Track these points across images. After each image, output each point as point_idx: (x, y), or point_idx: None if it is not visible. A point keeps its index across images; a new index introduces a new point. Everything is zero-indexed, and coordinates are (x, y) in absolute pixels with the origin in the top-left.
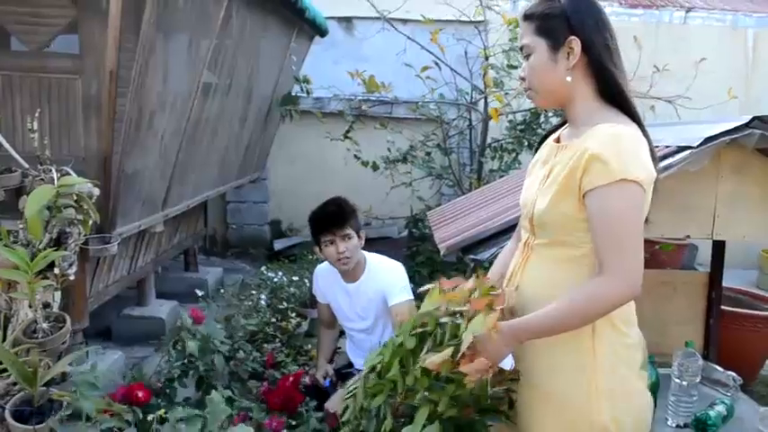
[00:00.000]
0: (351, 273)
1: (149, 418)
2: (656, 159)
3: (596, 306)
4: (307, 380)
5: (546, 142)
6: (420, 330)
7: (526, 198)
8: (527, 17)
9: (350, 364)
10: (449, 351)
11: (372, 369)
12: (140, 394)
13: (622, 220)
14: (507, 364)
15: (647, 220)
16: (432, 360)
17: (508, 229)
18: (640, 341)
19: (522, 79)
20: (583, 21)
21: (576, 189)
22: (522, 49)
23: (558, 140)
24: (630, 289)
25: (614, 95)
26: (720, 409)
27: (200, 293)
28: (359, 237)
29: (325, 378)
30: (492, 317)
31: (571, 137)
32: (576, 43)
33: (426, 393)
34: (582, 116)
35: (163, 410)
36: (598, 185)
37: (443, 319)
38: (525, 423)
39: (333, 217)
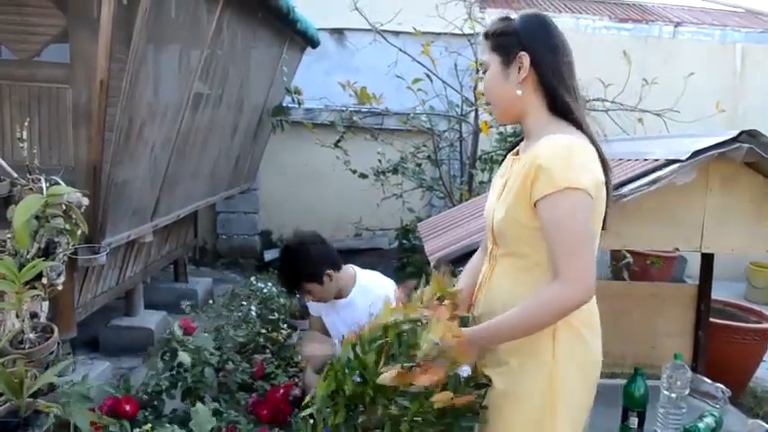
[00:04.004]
0: (338, 291)
1: None
2: (608, 167)
3: (550, 310)
4: (297, 392)
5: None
6: (379, 342)
7: (487, 210)
8: (486, 36)
9: None
10: (397, 368)
11: (329, 384)
12: (128, 407)
13: (570, 226)
14: (464, 371)
15: (604, 227)
16: (383, 376)
17: None
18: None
19: (482, 94)
20: (533, 38)
21: (527, 197)
22: (482, 65)
23: (516, 154)
24: (583, 293)
25: (563, 109)
26: (709, 421)
27: (188, 303)
28: (323, 280)
29: None
30: (447, 324)
31: (525, 149)
32: (524, 58)
33: (392, 408)
34: (535, 129)
35: (150, 426)
36: (545, 194)
37: (405, 327)
38: (493, 424)
39: (287, 284)
